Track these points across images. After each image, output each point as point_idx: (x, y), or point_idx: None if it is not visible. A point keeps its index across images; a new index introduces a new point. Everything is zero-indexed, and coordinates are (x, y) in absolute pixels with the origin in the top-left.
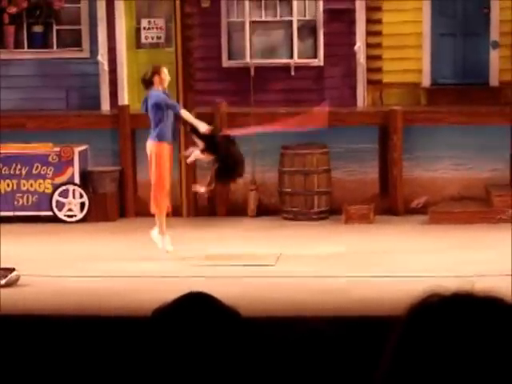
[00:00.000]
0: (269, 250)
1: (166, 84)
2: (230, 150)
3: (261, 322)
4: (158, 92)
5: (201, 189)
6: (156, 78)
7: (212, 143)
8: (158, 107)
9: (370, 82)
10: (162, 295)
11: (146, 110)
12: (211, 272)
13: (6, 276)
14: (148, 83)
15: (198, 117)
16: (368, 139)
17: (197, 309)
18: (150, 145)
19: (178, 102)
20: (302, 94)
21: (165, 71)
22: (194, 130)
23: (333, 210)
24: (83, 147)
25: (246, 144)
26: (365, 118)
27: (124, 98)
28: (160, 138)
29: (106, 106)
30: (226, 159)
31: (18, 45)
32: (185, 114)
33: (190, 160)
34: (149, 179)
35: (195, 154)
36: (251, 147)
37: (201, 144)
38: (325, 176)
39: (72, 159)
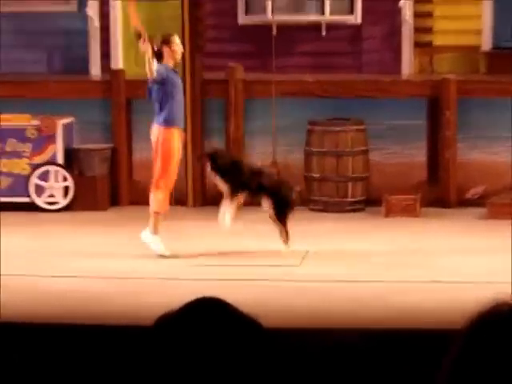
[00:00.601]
0: (292, 247)
1: (178, 56)
2: (263, 183)
3: (282, 334)
4: (161, 67)
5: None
6: (166, 50)
7: (238, 183)
8: (165, 84)
9: (417, 45)
10: (164, 300)
11: (150, 94)
12: (222, 273)
13: None
14: (157, 55)
15: (208, 84)
16: (414, 114)
17: (210, 317)
18: (156, 131)
19: (184, 66)
20: (335, 59)
21: (176, 41)
22: (216, 167)
23: (370, 201)
24: (68, 120)
25: (264, 118)
26: (411, 89)
27: (118, 61)
28: (169, 122)
29: (95, 70)
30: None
31: None
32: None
33: (226, 226)
34: (146, 159)
35: (228, 213)
36: (271, 122)
37: (225, 188)
38: (361, 158)
39: (54, 134)
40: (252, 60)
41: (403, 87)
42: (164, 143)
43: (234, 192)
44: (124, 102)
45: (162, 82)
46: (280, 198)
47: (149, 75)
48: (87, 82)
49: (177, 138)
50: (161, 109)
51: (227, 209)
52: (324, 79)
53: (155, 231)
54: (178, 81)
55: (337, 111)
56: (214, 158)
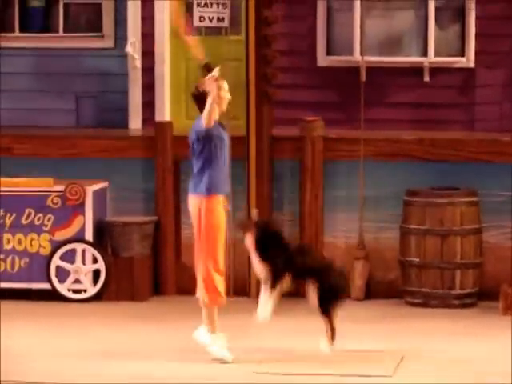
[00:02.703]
0: (383, 351)
1: (224, 105)
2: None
3: None
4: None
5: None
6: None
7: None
8: (206, 142)
9: None
10: None
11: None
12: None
13: None
14: (201, 100)
15: (278, 142)
16: None
17: None
18: (196, 201)
19: (248, 119)
20: (441, 112)
21: (225, 86)
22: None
23: (484, 293)
24: (100, 185)
25: (349, 186)
26: None
27: (165, 111)
28: (212, 189)
29: (136, 122)
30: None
31: (6, 27)
32: (203, 116)
33: (266, 319)
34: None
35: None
36: (357, 191)
37: (266, 269)
38: (473, 239)
39: (83, 203)
40: (334, 112)
41: None
42: (208, 215)
43: (277, 274)
44: (171, 163)
45: (208, 139)
46: (327, 284)
47: (205, 124)
48: (125, 137)
49: (220, 206)
50: (202, 172)
51: (268, 298)
52: (426, 138)
53: (212, 329)
54: (225, 137)
55: (442, 178)
56: (263, 231)
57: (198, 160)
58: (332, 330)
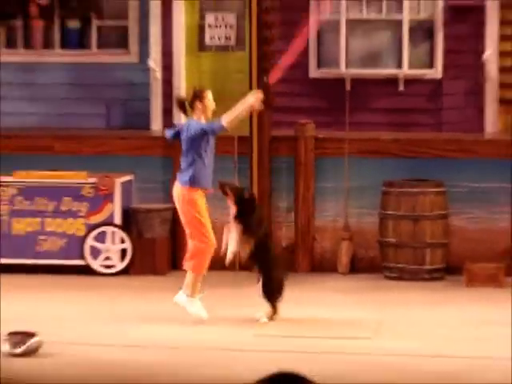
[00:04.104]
0: (364, 317)
1: (209, 113)
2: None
3: None
4: (198, 122)
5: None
6: (198, 105)
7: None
8: (197, 141)
9: (503, 102)
10: (228, 373)
11: (175, 137)
12: (288, 345)
13: (25, 342)
14: (183, 107)
15: (277, 141)
16: (499, 176)
17: None
18: (179, 191)
19: (251, 122)
20: (413, 116)
21: (209, 96)
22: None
23: (450, 269)
24: (126, 178)
25: (336, 178)
26: (495, 149)
27: (181, 117)
28: (194, 183)
29: (157, 125)
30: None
31: (47, 44)
32: (226, 118)
33: (228, 259)
34: (211, 221)
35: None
36: (343, 183)
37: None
38: (440, 223)
39: (112, 193)
40: (324, 116)
41: (487, 147)
42: (190, 204)
43: (247, 234)
44: None
45: (197, 141)
46: (272, 277)
47: (226, 124)
48: (148, 138)
49: (202, 196)
50: (187, 166)
51: (237, 242)
52: (401, 137)
53: (193, 293)
54: (212, 140)
55: (415, 172)
56: (240, 195)
57: (186, 157)
58: (273, 312)
